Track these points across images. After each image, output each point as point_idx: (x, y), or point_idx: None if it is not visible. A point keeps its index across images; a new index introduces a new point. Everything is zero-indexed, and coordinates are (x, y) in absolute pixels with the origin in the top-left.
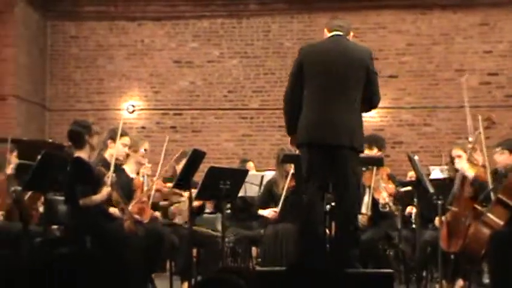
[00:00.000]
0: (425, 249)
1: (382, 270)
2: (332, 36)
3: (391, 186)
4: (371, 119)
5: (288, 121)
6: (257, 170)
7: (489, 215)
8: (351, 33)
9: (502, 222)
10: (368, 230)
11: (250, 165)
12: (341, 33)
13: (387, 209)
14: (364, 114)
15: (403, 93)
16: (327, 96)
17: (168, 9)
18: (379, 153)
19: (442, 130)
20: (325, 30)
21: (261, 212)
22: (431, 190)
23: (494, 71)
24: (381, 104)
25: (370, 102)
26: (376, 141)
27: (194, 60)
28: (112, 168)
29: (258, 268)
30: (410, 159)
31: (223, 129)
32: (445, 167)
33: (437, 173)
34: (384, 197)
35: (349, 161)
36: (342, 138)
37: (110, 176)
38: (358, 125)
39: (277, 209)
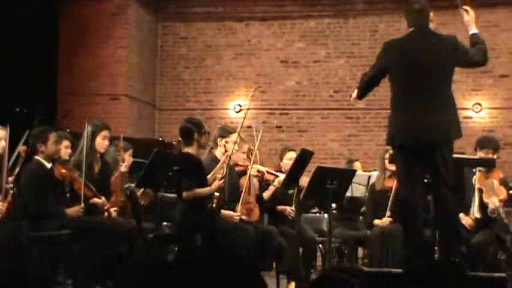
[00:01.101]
0: None
1: (495, 274)
2: (414, 30)
3: (504, 192)
4: (481, 119)
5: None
6: (363, 170)
7: None
8: (432, 14)
9: None
10: (478, 232)
11: (357, 165)
12: (423, 23)
13: (495, 214)
14: (473, 115)
15: None
16: (418, 96)
17: (275, 9)
18: (494, 156)
19: None
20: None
21: (377, 222)
22: None
23: None
24: (491, 105)
25: (478, 66)
26: (490, 142)
27: (300, 60)
28: (225, 166)
29: (365, 269)
30: None
31: (329, 129)
32: None
33: None
34: (494, 202)
35: (446, 159)
36: (437, 137)
37: (222, 173)
38: (453, 120)
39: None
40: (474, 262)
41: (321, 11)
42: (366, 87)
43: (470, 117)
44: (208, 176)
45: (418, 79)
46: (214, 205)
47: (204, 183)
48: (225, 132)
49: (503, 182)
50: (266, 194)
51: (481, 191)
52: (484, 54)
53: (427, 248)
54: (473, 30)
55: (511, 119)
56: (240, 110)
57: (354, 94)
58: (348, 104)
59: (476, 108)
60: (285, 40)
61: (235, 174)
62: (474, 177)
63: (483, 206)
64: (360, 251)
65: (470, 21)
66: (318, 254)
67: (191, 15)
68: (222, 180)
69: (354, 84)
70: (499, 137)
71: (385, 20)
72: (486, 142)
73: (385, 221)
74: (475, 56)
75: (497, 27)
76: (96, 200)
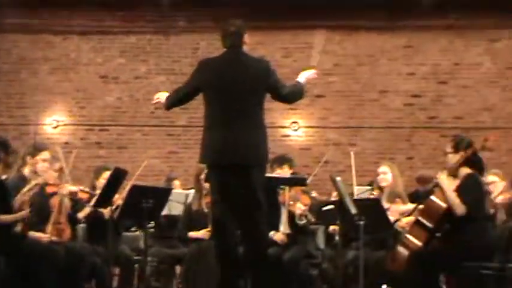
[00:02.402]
0: (348, 269)
1: None
2: (227, 51)
3: (308, 198)
4: (298, 138)
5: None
6: (183, 188)
7: (408, 236)
8: (246, 35)
9: (420, 243)
10: (289, 249)
11: (176, 183)
12: (237, 43)
13: (304, 221)
14: (291, 133)
15: (330, 113)
16: (228, 116)
17: (94, 23)
18: (290, 172)
19: (366, 150)
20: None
21: (192, 234)
22: (354, 211)
23: (417, 93)
24: (308, 123)
25: (285, 101)
26: (286, 160)
27: (121, 76)
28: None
29: None
30: (333, 181)
31: (149, 146)
32: (367, 187)
33: None
34: (300, 207)
35: (257, 179)
36: (248, 158)
37: (27, 195)
38: (262, 141)
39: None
40: (286, 278)
41: (142, 26)
42: (177, 102)
43: (288, 136)
44: (17, 197)
45: (229, 99)
46: (20, 228)
47: (7, 208)
48: (35, 150)
49: (305, 192)
50: (81, 214)
51: (288, 205)
52: (294, 95)
53: (236, 267)
54: (302, 80)
55: (326, 137)
56: (57, 125)
57: (162, 99)
58: (169, 121)
59: (293, 126)
60: (104, 55)
61: (45, 194)
62: (281, 193)
63: (292, 219)
64: (178, 269)
65: (306, 76)
66: (137, 273)
67: (4, 26)
68: (28, 210)
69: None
70: (315, 155)
71: (206, 38)
72: (283, 160)
73: (204, 233)
74: (285, 89)
75: (313, 48)
76: None
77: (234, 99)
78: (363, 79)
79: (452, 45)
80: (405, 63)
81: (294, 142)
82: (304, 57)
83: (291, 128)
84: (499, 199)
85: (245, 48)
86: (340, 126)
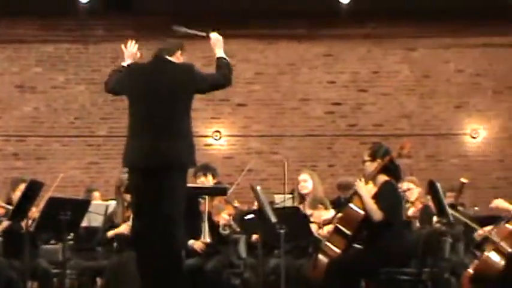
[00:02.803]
0: (269, 278)
1: None
2: (153, 58)
3: (231, 207)
4: (220, 147)
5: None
6: (104, 199)
7: (327, 243)
8: (179, 52)
9: (339, 251)
10: (211, 259)
11: (95, 194)
12: (164, 54)
13: (228, 231)
14: (213, 142)
15: (252, 122)
16: (150, 123)
17: (9, 31)
18: (214, 181)
19: (288, 158)
20: None
21: (111, 232)
22: (274, 219)
23: (337, 101)
24: (230, 132)
25: (223, 85)
26: (210, 169)
27: (38, 86)
28: None
29: None
30: (253, 190)
31: (69, 156)
32: (288, 195)
33: None
34: (224, 218)
35: (173, 185)
36: (169, 164)
37: None
38: (186, 147)
39: None
40: None
41: (59, 35)
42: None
43: (210, 145)
44: None
45: (152, 106)
46: None
47: None
48: None
49: (228, 201)
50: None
51: (210, 214)
52: (225, 77)
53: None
54: (220, 53)
55: (248, 146)
56: None
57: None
58: (89, 131)
59: (216, 135)
60: (20, 64)
61: None
62: (202, 202)
63: (214, 228)
64: (99, 281)
65: (216, 44)
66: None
67: None
68: None
69: (95, 111)
70: (237, 163)
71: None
72: (207, 169)
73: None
74: (216, 80)
75: (233, 57)
76: None
77: (157, 106)
78: (284, 87)
79: (370, 53)
80: (325, 72)
81: (216, 151)
82: None
83: (213, 137)
84: (411, 212)
85: (176, 56)
86: (262, 135)
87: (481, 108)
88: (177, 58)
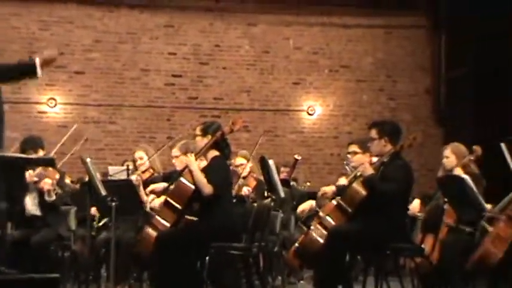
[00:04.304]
0: (100, 250)
1: (48, 275)
2: None
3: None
4: (56, 115)
5: None
6: None
7: (157, 217)
8: None
9: (168, 224)
10: (39, 231)
11: None
12: None
13: (53, 197)
14: (48, 109)
15: (90, 90)
16: None
17: None
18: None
19: (127, 129)
20: None
21: None
22: (104, 192)
23: (178, 73)
24: (66, 100)
25: None
26: (37, 144)
27: None
28: None
29: None
30: (83, 161)
31: None
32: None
33: None
34: (47, 183)
35: None
36: None
37: None
38: None
39: None
40: (35, 261)
41: None
42: None
43: (45, 112)
44: None
45: None
46: None
47: None
48: None
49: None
50: None
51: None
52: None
53: None
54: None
55: (85, 115)
56: None
57: None
58: None
59: (51, 103)
60: None
61: None
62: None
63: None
64: None
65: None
66: None
67: None
68: None
69: None
70: (73, 133)
71: None
72: (33, 143)
73: None
74: None
75: (71, 23)
76: None
77: None
78: (124, 57)
79: (212, 27)
80: (166, 43)
81: (51, 119)
82: (62, 31)
83: (48, 105)
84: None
85: None
86: (100, 104)
87: (317, 86)
88: None
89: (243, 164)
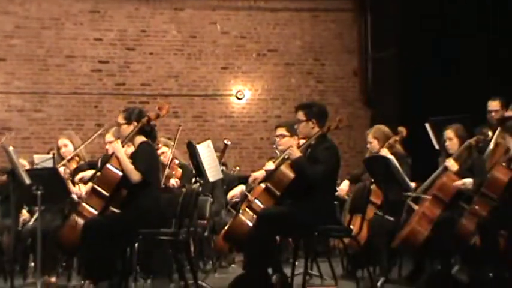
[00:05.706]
0: (27, 241)
1: None
2: None
3: None
4: None
5: None
6: None
7: (84, 204)
8: None
9: (95, 212)
10: None
11: None
12: None
13: None
14: None
15: (12, 78)
16: None
17: None
18: None
19: (53, 116)
20: None
21: None
22: (28, 181)
23: (104, 59)
24: None
25: None
26: None
27: None
28: None
29: None
30: (5, 150)
31: None
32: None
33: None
34: None
35: None
36: None
37: None
38: None
39: None
40: None
41: None
42: None
43: None
44: None
45: None
46: None
47: None
48: None
49: None
50: None
51: None
52: None
53: None
54: None
55: (9, 103)
56: None
57: None
58: None
59: None
60: None
61: None
62: None
63: None
64: None
65: None
66: None
67: None
68: None
69: None
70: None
71: None
72: None
73: None
74: None
75: None
76: None
77: None
78: (48, 43)
79: (138, 11)
80: (92, 29)
81: None
82: None
83: None
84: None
85: None
86: (24, 92)
87: (245, 70)
88: None
89: (164, 152)
